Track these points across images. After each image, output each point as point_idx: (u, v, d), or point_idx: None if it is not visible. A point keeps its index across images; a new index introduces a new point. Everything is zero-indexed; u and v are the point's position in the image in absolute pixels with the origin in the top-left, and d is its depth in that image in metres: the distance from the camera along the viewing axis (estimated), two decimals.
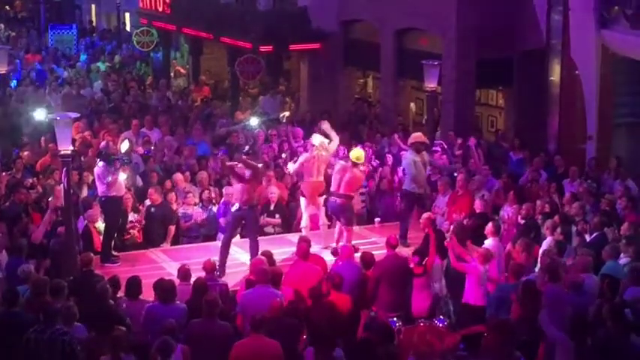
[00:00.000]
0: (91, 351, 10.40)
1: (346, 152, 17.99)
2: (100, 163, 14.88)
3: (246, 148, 15.69)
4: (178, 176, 17.14)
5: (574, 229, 14.38)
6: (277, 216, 16.60)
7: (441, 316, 12.47)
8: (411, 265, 13.13)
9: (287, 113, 24.12)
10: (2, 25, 41.25)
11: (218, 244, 15.07)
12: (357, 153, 15.58)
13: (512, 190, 16.06)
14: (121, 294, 12.18)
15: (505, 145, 20.01)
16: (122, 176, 15.11)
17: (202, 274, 12.79)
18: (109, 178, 14.63)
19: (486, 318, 11.90)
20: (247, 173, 14.57)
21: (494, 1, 21.38)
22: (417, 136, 16.05)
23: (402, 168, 16.95)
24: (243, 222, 14.89)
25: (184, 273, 12.64)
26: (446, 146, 19.15)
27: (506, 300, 11.59)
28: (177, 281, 12.47)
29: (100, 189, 14.87)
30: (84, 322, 10.86)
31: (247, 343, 10.51)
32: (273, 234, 16.33)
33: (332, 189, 15.39)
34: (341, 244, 15.01)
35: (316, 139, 15.82)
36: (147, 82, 29.55)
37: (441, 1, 21.75)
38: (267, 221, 16.29)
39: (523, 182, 17.33)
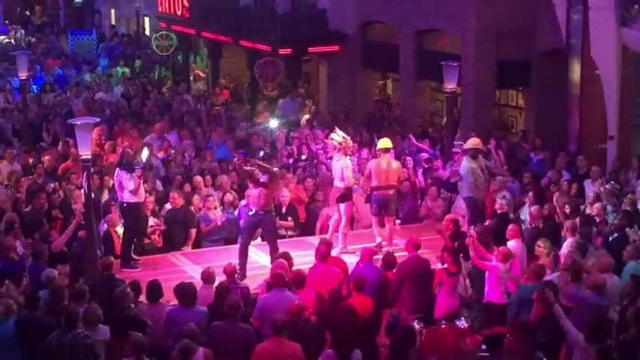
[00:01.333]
0: (112, 354, 10.42)
1: (369, 153, 18.06)
2: (121, 171, 14.87)
3: (261, 152, 15.67)
4: (198, 179, 17.17)
5: (595, 229, 14.32)
6: (290, 219, 16.55)
7: (462, 318, 12.43)
8: (445, 265, 13.03)
9: (307, 116, 24.16)
10: (23, 31, 41.49)
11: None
12: (385, 142, 15.66)
13: (533, 190, 15.99)
14: (142, 298, 12.21)
15: (526, 146, 19.95)
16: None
17: (224, 277, 12.79)
18: (131, 186, 14.65)
19: (508, 319, 11.89)
20: (264, 177, 14.54)
21: (513, 1, 21.32)
22: (473, 142, 15.83)
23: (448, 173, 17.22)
24: (259, 227, 14.90)
25: (208, 276, 12.65)
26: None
27: (527, 301, 11.54)
28: (200, 284, 12.51)
29: (121, 195, 14.89)
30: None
31: (269, 346, 10.51)
32: (285, 237, 16.25)
33: (375, 184, 15.41)
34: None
35: (338, 136, 15.71)
36: (166, 86, 29.62)
37: (460, 2, 21.70)
38: (280, 224, 16.19)
39: (545, 184, 17.24)
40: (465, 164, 15.56)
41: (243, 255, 14.55)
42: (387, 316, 12.36)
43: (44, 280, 12.21)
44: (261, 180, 14.49)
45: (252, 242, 15.54)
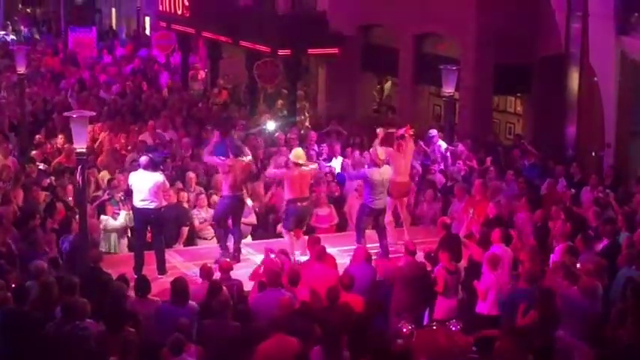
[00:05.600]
0: (103, 348, 10.38)
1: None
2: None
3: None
4: (191, 175, 17.10)
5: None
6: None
7: (454, 319, 12.37)
8: (443, 265, 13.00)
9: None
10: (22, 27, 41.53)
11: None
12: (298, 153, 15.11)
13: (526, 195, 15.96)
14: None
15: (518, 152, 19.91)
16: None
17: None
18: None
19: (500, 323, 11.86)
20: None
21: (513, 7, 21.32)
22: None
23: None
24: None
25: (207, 272, 12.61)
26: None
27: (518, 305, 11.52)
28: (191, 280, 12.43)
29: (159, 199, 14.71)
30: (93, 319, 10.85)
31: (271, 343, 10.44)
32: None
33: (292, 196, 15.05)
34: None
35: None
36: (165, 85, 29.60)
37: (459, 7, 21.70)
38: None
39: (544, 191, 17.14)
40: None
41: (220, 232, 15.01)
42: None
43: (32, 271, 12.16)
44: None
45: (245, 241, 15.63)
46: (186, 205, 16.19)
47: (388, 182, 15.21)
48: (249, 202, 16.21)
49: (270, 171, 15.82)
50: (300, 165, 14.76)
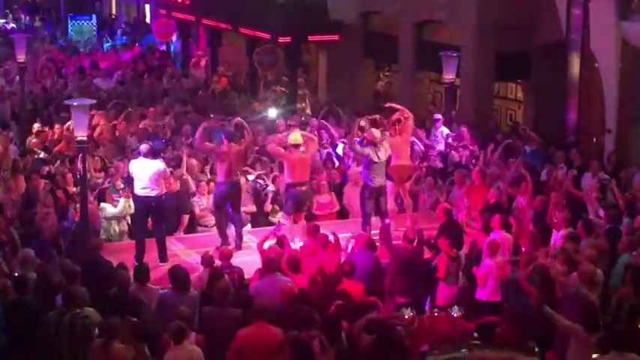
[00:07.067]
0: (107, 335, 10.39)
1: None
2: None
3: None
4: (192, 161, 17.10)
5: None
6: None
7: (456, 307, 12.39)
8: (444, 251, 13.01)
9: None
10: (23, 15, 41.42)
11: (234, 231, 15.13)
12: (295, 137, 15.22)
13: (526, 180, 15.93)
14: None
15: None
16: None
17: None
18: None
19: (501, 309, 11.88)
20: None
21: None
22: None
23: None
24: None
25: (208, 260, 12.62)
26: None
27: (519, 289, 11.54)
28: (193, 268, 12.43)
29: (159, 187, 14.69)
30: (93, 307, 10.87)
31: (251, 331, 10.38)
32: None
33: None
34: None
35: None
36: (166, 72, 29.53)
37: None
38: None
39: (544, 177, 17.13)
40: None
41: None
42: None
43: (20, 259, 12.18)
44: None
45: (246, 229, 15.64)
46: (192, 184, 16.20)
47: (385, 163, 15.32)
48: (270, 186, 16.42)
49: (272, 146, 15.61)
50: (298, 146, 14.79)
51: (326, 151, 18.74)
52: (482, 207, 15.14)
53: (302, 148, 14.93)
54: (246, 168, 16.70)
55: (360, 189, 15.79)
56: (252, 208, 16.38)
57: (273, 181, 16.74)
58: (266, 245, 13.34)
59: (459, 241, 13.63)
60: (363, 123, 16.14)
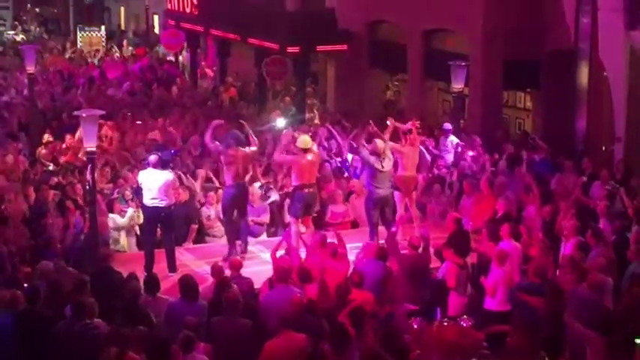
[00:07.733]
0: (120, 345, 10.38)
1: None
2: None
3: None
4: (201, 172, 17.12)
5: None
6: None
7: (465, 316, 12.34)
8: (452, 260, 13.00)
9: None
10: (33, 27, 41.61)
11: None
12: (304, 140, 15.08)
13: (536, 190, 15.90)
14: None
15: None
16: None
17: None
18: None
19: (511, 318, 11.83)
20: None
21: (521, 1, 21.29)
22: None
23: None
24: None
25: (218, 271, 12.59)
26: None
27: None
28: (202, 278, 12.42)
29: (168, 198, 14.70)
30: (102, 318, 10.86)
31: (279, 341, 10.39)
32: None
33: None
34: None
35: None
36: (174, 82, 29.63)
37: (468, 2, 21.68)
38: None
39: (553, 186, 17.09)
40: None
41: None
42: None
43: (39, 271, 12.18)
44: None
45: (255, 239, 15.66)
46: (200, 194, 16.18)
47: (389, 174, 15.33)
48: (274, 196, 16.37)
49: (279, 156, 15.54)
50: (307, 151, 14.82)
51: (338, 159, 18.75)
52: (490, 217, 15.10)
53: (310, 155, 14.91)
54: (256, 175, 16.72)
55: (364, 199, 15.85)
56: (266, 219, 16.40)
57: (281, 190, 16.74)
58: (278, 254, 13.32)
59: (464, 250, 13.56)
60: (392, 125, 15.98)
